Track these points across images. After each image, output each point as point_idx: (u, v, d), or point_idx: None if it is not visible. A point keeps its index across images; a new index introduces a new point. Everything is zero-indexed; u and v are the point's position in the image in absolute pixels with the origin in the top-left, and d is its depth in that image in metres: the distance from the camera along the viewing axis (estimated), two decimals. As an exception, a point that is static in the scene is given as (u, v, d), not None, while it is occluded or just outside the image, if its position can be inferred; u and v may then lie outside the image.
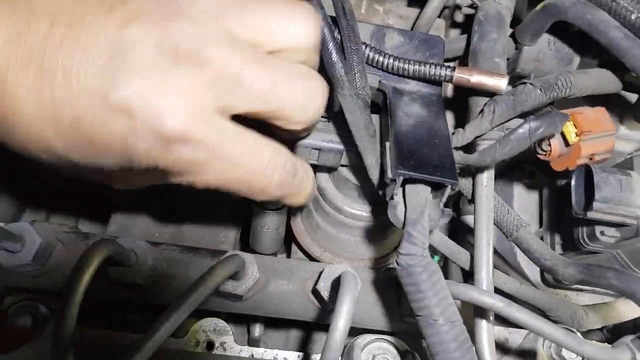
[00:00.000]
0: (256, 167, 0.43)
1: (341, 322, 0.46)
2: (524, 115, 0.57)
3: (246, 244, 0.74)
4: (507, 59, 0.65)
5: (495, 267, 0.62)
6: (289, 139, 0.53)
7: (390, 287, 0.62)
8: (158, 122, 0.37)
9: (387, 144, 0.52)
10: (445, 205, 0.93)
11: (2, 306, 0.60)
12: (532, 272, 0.78)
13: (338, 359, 0.46)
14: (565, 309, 0.64)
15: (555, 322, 0.62)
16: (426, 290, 0.47)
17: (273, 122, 0.44)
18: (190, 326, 0.66)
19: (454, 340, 0.46)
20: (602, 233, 0.63)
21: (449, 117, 0.76)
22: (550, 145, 0.59)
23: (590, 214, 0.59)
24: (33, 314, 0.59)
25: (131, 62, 0.37)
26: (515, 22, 0.65)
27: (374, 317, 0.62)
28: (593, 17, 0.54)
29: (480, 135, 0.57)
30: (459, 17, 0.74)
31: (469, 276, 0.62)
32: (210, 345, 0.64)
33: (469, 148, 0.58)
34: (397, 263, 0.48)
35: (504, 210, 0.60)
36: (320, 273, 0.58)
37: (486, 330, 0.57)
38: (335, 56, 0.50)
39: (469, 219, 0.85)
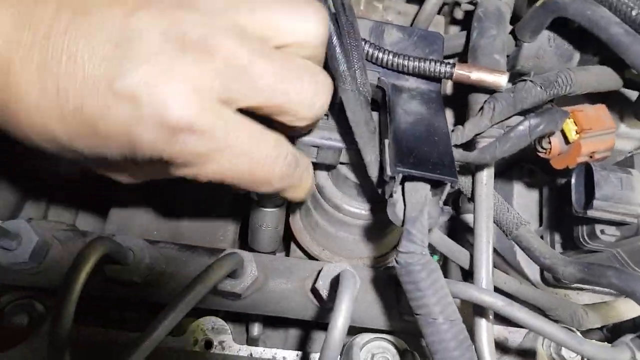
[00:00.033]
0: (260, 157, 0.43)
1: (340, 320, 0.45)
2: (524, 113, 0.56)
3: (245, 242, 0.73)
4: (507, 56, 0.65)
5: (494, 266, 0.62)
6: (291, 135, 0.52)
7: (389, 285, 0.62)
8: (164, 111, 0.37)
9: (386, 142, 0.52)
10: (445, 203, 0.94)
11: (-2, 304, 0.60)
12: (532, 271, 0.77)
13: (337, 358, 0.46)
14: (565, 308, 0.64)
15: (555, 321, 0.62)
16: (425, 288, 0.46)
17: (277, 118, 0.44)
18: (188, 325, 0.65)
19: (453, 339, 0.46)
20: (602, 232, 0.62)
21: (449, 115, 0.75)
22: (550, 143, 0.59)
23: (591, 212, 0.58)
24: (30, 313, 0.58)
25: (138, 49, 0.37)
26: (515, 19, 0.65)
27: (373, 315, 0.62)
28: (593, 14, 0.54)
29: (480, 133, 0.56)
30: (458, 14, 0.74)
31: (468, 276, 0.62)
32: (208, 344, 0.64)
33: (469, 146, 0.58)
34: (396, 261, 0.48)
35: (504, 209, 0.60)
36: (319, 272, 0.58)
37: (485, 330, 0.57)
38: (339, 51, 0.50)
39: (468, 217, 0.85)
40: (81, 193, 0.86)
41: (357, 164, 0.61)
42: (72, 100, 0.37)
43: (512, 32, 0.65)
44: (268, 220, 0.68)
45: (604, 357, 0.52)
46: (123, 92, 0.36)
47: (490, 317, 0.57)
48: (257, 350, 0.63)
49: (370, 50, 0.55)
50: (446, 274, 0.86)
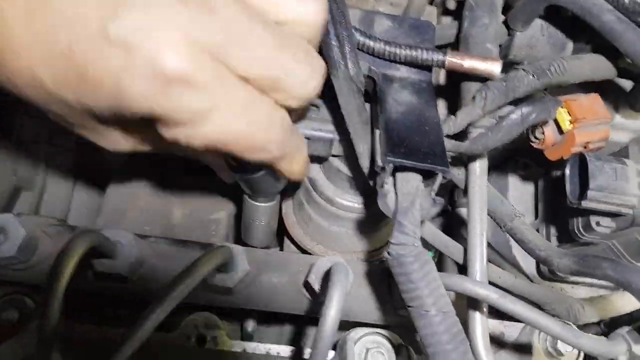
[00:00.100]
0: (257, 119, 0.42)
1: (332, 312, 0.45)
2: (516, 103, 0.56)
3: (239, 238, 0.73)
4: (500, 46, 0.65)
5: (490, 261, 0.62)
6: None
7: (383, 279, 0.62)
8: (158, 59, 0.35)
9: (377, 132, 0.51)
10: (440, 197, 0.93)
11: (-13, 300, 0.59)
12: (528, 265, 0.77)
13: (329, 350, 0.45)
14: (561, 302, 0.63)
15: (551, 315, 0.61)
16: (417, 280, 0.46)
17: (270, 94, 0.43)
18: (181, 321, 0.65)
19: (446, 332, 0.45)
20: (597, 223, 0.62)
21: (442, 105, 0.75)
22: (543, 133, 0.58)
23: (585, 203, 0.58)
24: (20, 308, 0.58)
25: None
26: (508, 8, 0.64)
27: (368, 310, 0.61)
28: (585, 1, 0.53)
29: (472, 123, 0.56)
30: (450, 4, 0.73)
31: (463, 272, 0.61)
32: (201, 339, 0.63)
33: (461, 136, 0.57)
34: (388, 253, 0.47)
35: (498, 201, 0.59)
36: (312, 265, 0.57)
37: (480, 323, 0.56)
38: (333, 38, 0.50)
39: (464, 211, 0.84)
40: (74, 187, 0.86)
41: (350, 156, 0.60)
42: (61, 41, 0.35)
43: (505, 22, 0.65)
44: (261, 214, 0.67)
45: (600, 349, 0.52)
46: (115, 36, 0.35)
47: (485, 310, 0.56)
48: (250, 346, 0.63)
49: (362, 39, 0.55)
50: (442, 271, 0.85)
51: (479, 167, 0.58)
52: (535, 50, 0.64)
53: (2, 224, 0.51)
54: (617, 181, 0.57)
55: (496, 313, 0.61)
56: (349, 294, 0.57)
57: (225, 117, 0.40)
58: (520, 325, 0.68)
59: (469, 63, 0.53)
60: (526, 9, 0.60)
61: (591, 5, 0.52)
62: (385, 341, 0.62)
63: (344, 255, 0.70)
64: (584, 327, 0.67)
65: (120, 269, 0.51)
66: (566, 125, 0.58)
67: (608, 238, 0.63)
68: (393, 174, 0.50)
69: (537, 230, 0.76)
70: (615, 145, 0.70)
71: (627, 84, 0.68)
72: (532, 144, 0.60)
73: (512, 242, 0.75)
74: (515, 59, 0.66)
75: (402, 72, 0.57)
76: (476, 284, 0.51)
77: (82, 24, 0.35)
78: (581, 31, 0.64)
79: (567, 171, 0.61)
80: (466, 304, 0.57)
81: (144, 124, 0.40)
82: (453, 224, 0.87)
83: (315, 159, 0.63)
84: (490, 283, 0.57)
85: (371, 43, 0.55)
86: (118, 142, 0.49)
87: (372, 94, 0.59)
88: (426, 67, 0.58)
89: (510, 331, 0.68)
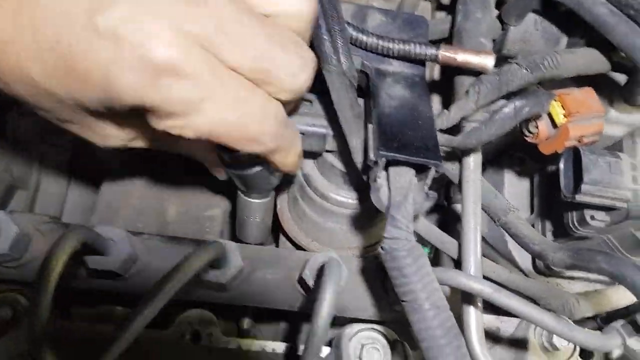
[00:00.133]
0: (250, 111, 0.41)
1: (324, 306, 0.45)
2: (510, 97, 0.55)
3: (234, 235, 0.73)
4: (494, 41, 0.64)
5: (485, 256, 0.61)
6: None
7: (379, 275, 0.61)
8: (147, 50, 0.35)
9: (370, 126, 0.51)
10: (437, 195, 0.92)
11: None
12: (524, 260, 0.77)
13: (323, 346, 0.45)
14: (556, 297, 0.63)
15: (546, 310, 0.61)
16: (411, 274, 0.45)
17: (262, 87, 0.42)
18: (176, 318, 0.65)
19: (440, 326, 0.45)
20: (592, 217, 0.62)
21: (436, 99, 0.75)
22: (537, 127, 0.58)
23: (579, 197, 0.58)
24: (13, 306, 0.58)
25: None
26: (501, 2, 0.64)
27: (363, 306, 0.61)
28: (578, -6, 0.53)
29: (466, 117, 0.55)
30: (444, -1, 0.73)
31: (459, 268, 0.61)
32: (196, 336, 0.63)
33: (455, 131, 0.57)
34: (381, 247, 0.47)
35: (492, 195, 0.59)
36: (306, 262, 0.57)
37: (475, 318, 0.56)
38: (324, 32, 0.50)
39: (459, 207, 0.84)
40: (68, 186, 0.85)
41: (344, 151, 0.60)
42: (49, 34, 0.35)
43: (499, 16, 0.65)
44: (255, 211, 0.67)
45: (595, 342, 0.52)
46: (104, 27, 0.35)
47: (479, 304, 0.56)
48: (245, 342, 0.63)
49: (354, 34, 0.55)
50: (438, 267, 0.85)
51: (473, 162, 0.57)
52: (529, 44, 0.64)
53: (-6, 221, 0.51)
54: (611, 175, 0.57)
55: (492, 308, 0.61)
56: (344, 290, 0.57)
57: (217, 108, 0.39)
58: (516, 320, 0.68)
59: (462, 57, 0.53)
60: (519, 3, 0.60)
61: (583, -2, 0.52)
62: (380, 337, 0.61)
63: (339, 251, 0.69)
64: (580, 323, 0.67)
65: (113, 265, 0.51)
66: (560, 119, 0.57)
67: (603, 232, 0.63)
68: (386, 169, 0.50)
69: (533, 226, 0.76)
70: (610, 139, 0.70)
71: (621, 78, 0.67)
72: (526, 138, 0.60)
73: (508, 238, 0.75)
74: (509, 53, 0.65)
75: (395, 66, 0.57)
76: (470, 278, 0.51)
77: (70, 17, 0.35)
78: (575, 25, 0.64)
79: (562, 165, 0.61)
80: (460, 298, 0.57)
81: (134, 117, 0.40)
82: (449, 220, 0.87)
83: (309, 154, 0.63)
84: (485, 278, 0.57)
85: (364, 37, 0.55)
86: (109, 137, 0.48)
87: (366, 89, 0.59)
88: (419, 62, 0.58)
89: (506, 326, 0.68)
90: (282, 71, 0.41)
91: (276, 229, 0.75)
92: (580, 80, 0.62)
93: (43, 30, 0.35)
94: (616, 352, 0.52)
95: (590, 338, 0.52)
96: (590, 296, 0.64)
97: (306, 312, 0.61)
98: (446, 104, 0.74)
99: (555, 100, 0.57)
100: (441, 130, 0.55)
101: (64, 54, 0.36)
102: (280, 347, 0.63)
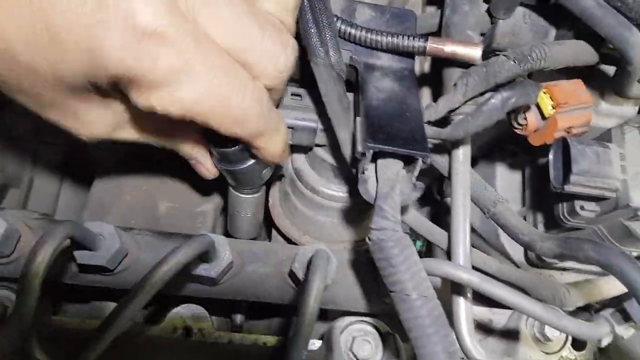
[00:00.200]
0: (236, 87, 0.41)
1: (311, 297, 0.45)
2: (498, 89, 0.56)
3: (226, 230, 0.73)
4: (483, 34, 0.64)
5: (477, 248, 0.61)
6: None
7: (370, 268, 0.61)
8: (133, 12, 0.35)
9: (358, 119, 0.51)
10: (430, 190, 0.93)
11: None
12: (516, 252, 0.77)
13: (310, 336, 0.45)
14: (546, 287, 0.63)
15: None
16: (398, 264, 0.46)
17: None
18: (167, 313, 0.65)
19: (428, 316, 0.45)
20: (582, 208, 0.62)
21: (427, 93, 0.75)
22: (526, 119, 0.58)
23: (568, 188, 0.58)
24: (3, 303, 0.58)
25: None
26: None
27: (354, 298, 0.61)
28: (565, -14, 0.53)
29: (454, 110, 0.55)
30: (435, -6, 0.73)
31: (449, 259, 0.61)
32: (188, 331, 0.63)
33: (443, 123, 0.57)
34: (369, 238, 0.47)
35: (481, 187, 0.59)
36: (296, 254, 0.57)
37: (464, 309, 0.56)
38: (312, 25, 0.50)
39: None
40: (61, 184, 0.86)
41: (334, 145, 0.60)
42: (32, 1, 0.35)
43: (488, 10, 0.65)
44: (246, 206, 0.67)
45: (583, 331, 0.52)
46: None
47: (469, 295, 0.56)
48: (237, 337, 0.63)
49: (343, 27, 0.55)
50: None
51: (462, 154, 0.58)
52: (518, 37, 0.64)
53: (-18, 218, 0.51)
54: (599, 165, 0.58)
55: (484, 300, 0.61)
56: (334, 282, 0.57)
57: (201, 81, 0.39)
58: (508, 312, 0.68)
59: (450, 48, 0.53)
60: (507, -5, 0.60)
61: (570, -10, 0.53)
62: (371, 329, 0.62)
63: (330, 245, 0.69)
64: (574, 315, 0.67)
65: (101, 260, 0.51)
66: (548, 110, 0.57)
67: (593, 222, 0.63)
68: (374, 160, 0.50)
69: (525, 218, 0.77)
70: (601, 130, 0.70)
71: (611, 70, 0.67)
72: (515, 130, 0.60)
73: (500, 231, 0.75)
74: (498, 47, 0.65)
75: (384, 60, 0.57)
76: (458, 268, 0.51)
77: None
78: (563, 18, 0.64)
79: (551, 156, 0.61)
80: (450, 290, 0.57)
81: (117, 97, 0.39)
82: (441, 214, 0.87)
83: (299, 148, 0.63)
84: (475, 269, 0.57)
85: (352, 30, 0.55)
86: (92, 124, 0.47)
87: (355, 84, 0.59)
88: (408, 54, 0.58)
89: (498, 318, 0.68)
90: (263, 53, 0.42)
91: (268, 224, 0.75)
92: (570, 73, 0.62)
93: None
94: (605, 341, 0.52)
95: (579, 326, 0.52)
96: (581, 286, 0.64)
97: (297, 305, 0.62)
98: (436, 96, 0.74)
99: (544, 92, 0.57)
100: (430, 123, 0.56)
101: (47, 20, 0.35)
102: (271, 340, 0.63)
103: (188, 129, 0.53)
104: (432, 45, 0.54)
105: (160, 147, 0.55)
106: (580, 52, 0.60)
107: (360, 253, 0.65)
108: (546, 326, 0.64)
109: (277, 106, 0.55)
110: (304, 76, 0.63)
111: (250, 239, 0.71)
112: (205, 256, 0.52)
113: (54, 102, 0.43)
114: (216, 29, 0.39)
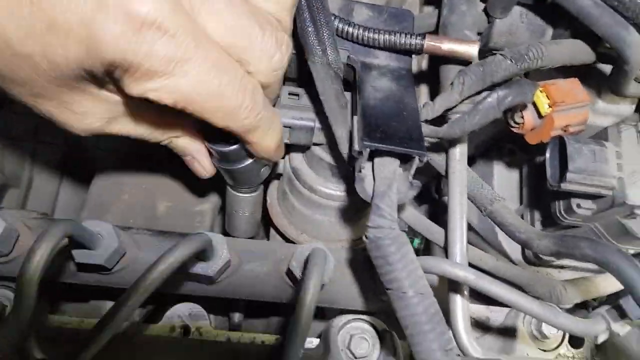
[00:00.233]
0: (229, 81, 0.42)
1: (308, 294, 0.45)
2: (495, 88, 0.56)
3: (225, 230, 0.73)
4: (480, 34, 0.65)
5: (475, 247, 0.62)
6: None
7: (367, 267, 0.62)
8: (133, 1, 0.35)
9: (355, 118, 0.52)
10: (428, 188, 0.93)
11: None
12: (513, 250, 0.77)
13: (307, 334, 0.46)
14: (542, 284, 0.64)
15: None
16: (395, 262, 0.46)
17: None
18: (165, 312, 0.65)
19: (424, 313, 0.45)
20: (578, 206, 0.62)
21: (425, 91, 0.75)
22: (523, 117, 0.58)
23: (565, 186, 0.58)
24: (1, 302, 0.58)
25: None
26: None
27: (351, 297, 0.61)
28: (561, -15, 0.53)
29: (451, 109, 0.56)
30: (432, -6, 0.74)
31: (446, 257, 0.61)
32: (186, 330, 0.63)
33: (440, 122, 0.57)
34: (366, 236, 0.47)
35: (478, 185, 0.60)
36: (294, 253, 0.57)
37: (461, 306, 0.56)
38: (309, 24, 0.50)
39: (449, 199, 0.84)
40: (60, 184, 0.86)
41: (332, 144, 0.60)
42: None
43: (485, 10, 0.65)
44: (244, 205, 0.67)
45: (580, 328, 0.52)
46: None
47: (465, 292, 0.56)
48: (234, 335, 0.63)
49: (340, 25, 0.55)
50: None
51: (459, 152, 0.58)
52: (515, 37, 0.64)
53: (-19, 217, 0.51)
54: (596, 163, 0.58)
55: (482, 298, 0.61)
56: (332, 281, 0.58)
57: (196, 72, 0.39)
58: (506, 310, 0.68)
59: (447, 46, 0.54)
60: (504, -6, 0.60)
61: (567, -11, 0.53)
62: (369, 327, 0.62)
63: (328, 243, 0.70)
64: (571, 313, 0.68)
65: (99, 259, 0.51)
66: (545, 109, 0.58)
67: (590, 220, 0.63)
68: (371, 159, 0.50)
69: (522, 216, 0.77)
70: (598, 129, 0.71)
71: (608, 69, 0.68)
72: (513, 129, 0.60)
73: (498, 229, 0.75)
74: (495, 46, 0.66)
75: (382, 59, 0.58)
76: (454, 265, 0.51)
77: None
78: (560, 17, 0.64)
79: (548, 155, 0.62)
80: (447, 288, 0.57)
81: (111, 87, 0.39)
82: (439, 213, 0.88)
83: (297, 147, 0.64)
84: (472, 266, 0.58)
85: (350, 29, 0.55)
86: (85, 116, 0.47)
87: (353, 83, 0.60)
88: (405, 53, 0.58)
89: (496, 316, 0.69)
90: (258, 49, 0.42)
91: (266, 223, 0.75)
92: (568, 72, 0.62)
93: None
94: (602, 337, 0.53)
95: (576, 323, 0.52)
96: (578, 283, 0.65)
97: (294, 304, 0.62)
98: (434, 94, 0.74)
99: (541, 91, 0.57)
100: (426, 122, 0.56)
101: (45, 8, 0.35)
102: (269, 339, 0.63)
103: (183, 124, 0.53)
104: (430, 42, 0.54)
105: (155, 143, 0.54)
106: (577, 51, 0.60)
107: (358, 251, 0.66)
108: (543, 324, 0.64)
109: (274, 105, 0.56)
110: (301, 75, 0.63)
111: (248, 238, 0.71)
112: (202, 255, 0.52)
113: (48, 93, 0.43)
114: (214, 23, 0.40)
